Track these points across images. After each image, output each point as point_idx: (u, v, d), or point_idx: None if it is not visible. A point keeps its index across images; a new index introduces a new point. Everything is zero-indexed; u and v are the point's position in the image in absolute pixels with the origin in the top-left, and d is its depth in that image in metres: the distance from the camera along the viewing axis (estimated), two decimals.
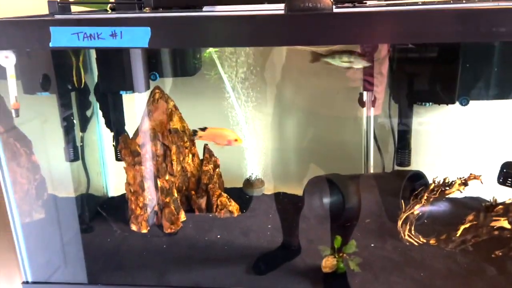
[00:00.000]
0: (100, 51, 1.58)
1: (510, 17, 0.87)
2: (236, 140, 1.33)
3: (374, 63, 1.67)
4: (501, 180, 1.51)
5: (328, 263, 1.23)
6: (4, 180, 1.25)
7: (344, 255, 1.22)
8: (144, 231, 1.54)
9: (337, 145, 1.85)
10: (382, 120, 1.76)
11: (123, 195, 1.77)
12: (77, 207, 1.73)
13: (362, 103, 1.71)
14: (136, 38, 1.00)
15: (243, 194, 1.80)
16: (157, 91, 1.55)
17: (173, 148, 1.57)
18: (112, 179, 1.91)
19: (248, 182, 1.81)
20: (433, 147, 1.74)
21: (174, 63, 1.70)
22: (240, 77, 1.75)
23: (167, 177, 1.57)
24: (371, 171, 1.71)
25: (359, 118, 1.77)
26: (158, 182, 1.54)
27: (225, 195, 1.63)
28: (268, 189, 1.85)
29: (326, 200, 1.55)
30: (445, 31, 0.90)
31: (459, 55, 1.52)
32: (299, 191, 1.69)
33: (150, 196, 1.56)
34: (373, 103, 1.70)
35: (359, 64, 1.45)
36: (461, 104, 1.60)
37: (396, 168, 1.68)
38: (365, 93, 1.68)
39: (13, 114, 1.15)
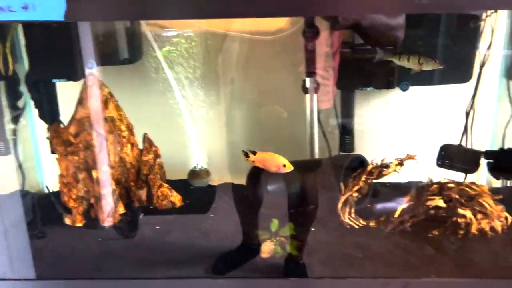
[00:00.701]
0: (30, 36, 1.50)
1: None
2: (284, 165, 1.29)
3: (325, 57, 1.68)
4: (439, 163, 1.54)
5: (266, 248, 1.20)
6: None
7: (282, 239, 1.20)
8: (79, 224, 1.46)
9: (285, 134, 1.84)
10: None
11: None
12: (11, 203, 1.63)
13: (305, 90, 1.70)
14: (50, 10, 0.93)
15: (188, 185, 1.75)
16: (90, 77, 1.47)
17: (110, 138, 1.50)
18: (49, 174, 1.82)
19: (193, 173, 1.76)
20: (377, 132, 1.76)
21: (112, 50, 1.64)
22: (189, 66, 1.71)
23: (104, 168, 1.50)
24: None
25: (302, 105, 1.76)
26: (93, 173, 1.46)
27: (166, 185, 1.58)
28: (215, 180, 1.81)
29: (269, 187, 1.52)
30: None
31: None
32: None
33: (85, 188, 1.48)
34: (316, 90, 1.69)
35: (429, 66, 1.36)
36: (402, 89, 1.62)
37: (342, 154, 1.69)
38: (307, 79, 1.67)
39: None
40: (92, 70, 1.56)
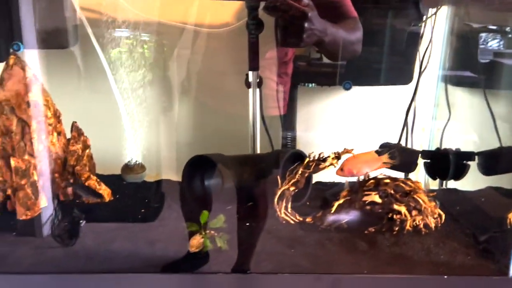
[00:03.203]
0: None
1: None
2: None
3: (279, 64, 1.65)
4: None
5: (195, 241, 1.12)
6: None
7: (212, 232, 1.13)
8: None
9: (227, 131, 1.79)
10: None
11: None
12: None
13: (248, 84, 1.65)
14: None
15: (121, 180, 1.65)
16: (12, 56, 1.35)
17: (33, 124, 1.38)
18: None
19: (127, 167, 1.66)
20: (319, 129, 1.74)
21: (43, 32, 1.53)
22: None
23: (26, 157, 1.37)
24: None
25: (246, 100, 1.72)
26: (12, 162, 1.34)
27: (94, 178, 1.47)
28: (151, 176, 1.72)
29: (205, 181, 1.45)
30: None
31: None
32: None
33: (2, 178, 1.35)
34: (259, 84, 1.65)
35: None
36: (344, 88, 1.62)
37: None
38: (250, 73, 1.63)
39: None
40: (18, 52, 1.45)
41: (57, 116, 1.47)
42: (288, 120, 1.66)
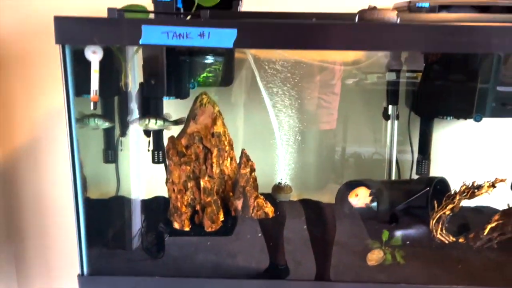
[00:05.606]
0: (147, 59, 1.68)
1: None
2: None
3: (329, 85, 1.87)
4: None
5: (374, 256, 1.33)
6: (74, 169, 1.31)
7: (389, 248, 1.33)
8: (187, 229, 1.60)
9: (359, 158, 1.99)
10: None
11: (155, 198, 1.84)
12: (110, 208, 1.81)
13: (386, 117, 1.86)
14: (222, 39, 1.11)
15: (271, 199, 1.89)
16: (204, 96, 1.65)
17: (214, 151, 1.66)
18: (143, 183, 1.97)
19: (278, 187, 1.90)
20: (450, 158, 1.90)
21: (213, 74, 1.83)
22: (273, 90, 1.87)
23: (206, 178, 1.65)
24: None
25: (381, 131, 1.92)
26: (201, 182, 1.62)
27: (261, 197, 1.72)
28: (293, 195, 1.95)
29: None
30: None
31: (478, 74, 1.70)
32: (321, 198, 1.86)
33: (192, 196, 1.63)
34: (397, 117, 1.85)
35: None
36: (475, 120, 1.77)
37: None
38: (390, 107, 1.83)
39: (91, 107, 1.23)
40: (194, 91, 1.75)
41: (230, 144, 1.74)
42: (423, 149, 1.83)
